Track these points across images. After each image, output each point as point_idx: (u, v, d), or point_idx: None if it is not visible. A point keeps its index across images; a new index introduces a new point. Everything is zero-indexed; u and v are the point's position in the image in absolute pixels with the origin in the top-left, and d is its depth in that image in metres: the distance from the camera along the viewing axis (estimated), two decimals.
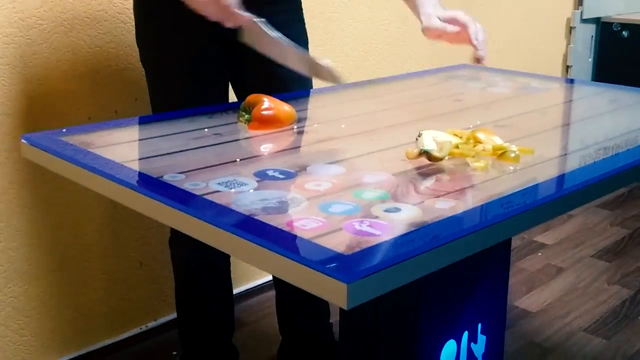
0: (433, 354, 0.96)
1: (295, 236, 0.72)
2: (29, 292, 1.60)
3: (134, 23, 1.42)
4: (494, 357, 1.08)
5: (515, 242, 2.38)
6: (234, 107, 1.22)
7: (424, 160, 0.96)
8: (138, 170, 0.93)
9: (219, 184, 0.87)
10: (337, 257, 0.68)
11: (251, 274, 2.04)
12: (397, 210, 0.79)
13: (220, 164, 0.96)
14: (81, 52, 1.59)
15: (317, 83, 1.51)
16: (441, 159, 0.96)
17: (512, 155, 0.97)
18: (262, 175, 0.91)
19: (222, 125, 1.17)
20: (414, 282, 0.70)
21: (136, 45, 1.43)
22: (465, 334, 1.02)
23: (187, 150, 1.03)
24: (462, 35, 1.32)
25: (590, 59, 3.24)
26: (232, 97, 1.46)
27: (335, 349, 1.62)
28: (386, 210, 0.79)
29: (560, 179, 0.95)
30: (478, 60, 1.38)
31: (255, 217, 0.77)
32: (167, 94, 1.37)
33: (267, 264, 0.71)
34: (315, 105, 1.38)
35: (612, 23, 3.13)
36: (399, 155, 0.99)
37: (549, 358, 1.75)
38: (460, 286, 1.00)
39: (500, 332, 1.10)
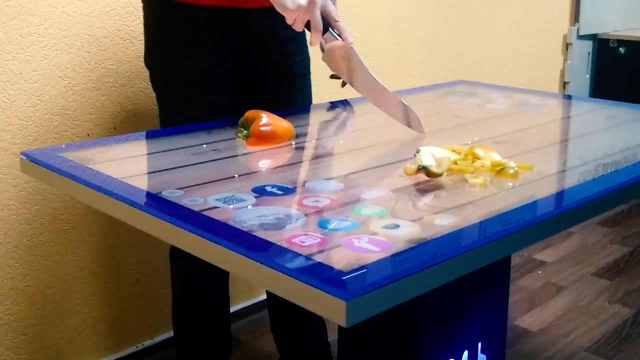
0: None
1: (293, 253, 0.72)
2: (26, 310, 1.59)
3: (139, 42, 1.43)
4: None
5: (515, 259, 2.37)
6: (233, 124, 1.22)
7: (423, 177, 0.96)
8: (136, 186, 0.92)
9: (217, 199, 0.87)
10: (336, 274, 0.67)
11: (248, 292, 2.03)
12: (395, 226, 0.79)
13: (219, 180, 0.96)
14: (81, 69, 1.59)
15: (316, 99, 1.52)
16: (440, 175, 0.95)
17: (511, 171, 0.97)
18: (260, 191, 0.91)
19: (220, 141, 1.17)
20: (413, 300, 0.69)
21: (145, 67, 1.42)
22: (465, 353, 1.01)
23: (185, 166, 1.03)
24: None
25: (587, 75, 3.25)
26: None
27: None
28: (385, 227, 0.79)
29: (560, 195, 0.95)
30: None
31: (254, 233, 0.76)
32: (180, 114, 1.36)
33: (265, 280, 0.70)
34: (314, 121, 1.39)
35: (609, 39, 3.15)
36: (398, 172, 0.99)
37: None
38: (459, 304, 0.99)
39: (500, 352, 1.09)
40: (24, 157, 1.06)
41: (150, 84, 1.43)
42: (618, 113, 1.47)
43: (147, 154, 1.16)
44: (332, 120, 1.41)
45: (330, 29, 1.21)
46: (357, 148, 1.15)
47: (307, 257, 0.71)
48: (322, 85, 1.54)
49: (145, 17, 1.39)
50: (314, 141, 1.21)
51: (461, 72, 2.53)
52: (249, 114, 1.16)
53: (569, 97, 2.01)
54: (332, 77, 1.50)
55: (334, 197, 0.90)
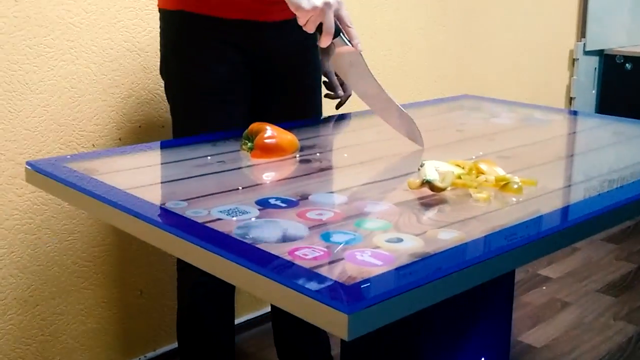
0: None
1: (296, 265, 0.72)
2: (29, 320, 1.59)
3: (146, 54, 1.44)
4: None
5: (519, 275, 2.36)
6: (237, 136, 1.22)
7: (427, 191, 0.96)
8: (141, 197, 0.93)
9: (221, 211, 0.87)
10: (339, 287, 0.67)
11: (253, 304, 2.02)
12: (399, 240, 0.79)
13: (223, 192, 0.96)
14: (87, 80, 1.60)
15: (326, 112, 1.52)
16: (443, 190, 0.95)
17: (515, 186, 0.97)
18: (264, 204, 0.91)
19: (225, 153, 1.17)
20: (415, 314, 0.69)
21: (161, 77, 1.43)
22: None
23: (190, 177, 1.03)
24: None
25: (593, 91, 3.25)
26: None
27: None
28: (388, 241, 0.79)
29: (564, 210, 0.95)
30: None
31: (257, 246, 0.76)
32: (195, 125, 1.36)
33: (267, 293, 0.70)
34: (318, 134, 1.39)
35: (615, 55, 3.15)
36: (402, 185, 0.99)
37: None
38: (463, 319, 0.99)
39: None
40: (29, 167, 1.06)
41: (159, 94, 1.44)
42: (624, 129, 1.46)
43: (152, 166, 1.16)
44: (337, 133, 1.41)
45: (341, 33, 1.22)
46: (361, 161, 1.15)
47: (310, 270, 0.70)
48: (326, 99, 1.54)
49: (162, 27, 1.40)
50: (318, 154, 1.21)
51: (466, 87, 2.53)
52: (254, 126, 1.16)
53: (575, 113, 2.00)
54: (327, 96, 1.52)
55: (337, 210, 0.90)
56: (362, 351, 0.98)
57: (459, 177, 0.99)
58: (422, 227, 0.85)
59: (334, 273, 0.70)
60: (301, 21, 1.18)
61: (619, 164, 1.19)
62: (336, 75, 1.50)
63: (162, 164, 1.17)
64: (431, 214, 0.90)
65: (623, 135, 1.42)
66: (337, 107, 1.54)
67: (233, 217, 0.85)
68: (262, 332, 1.94)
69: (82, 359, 1.69)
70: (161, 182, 1.06)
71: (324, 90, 1.51)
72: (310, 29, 1.18)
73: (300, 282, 0.68)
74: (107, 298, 1.71)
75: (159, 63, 1.44)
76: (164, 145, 1.28)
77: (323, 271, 0.70)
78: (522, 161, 1.16)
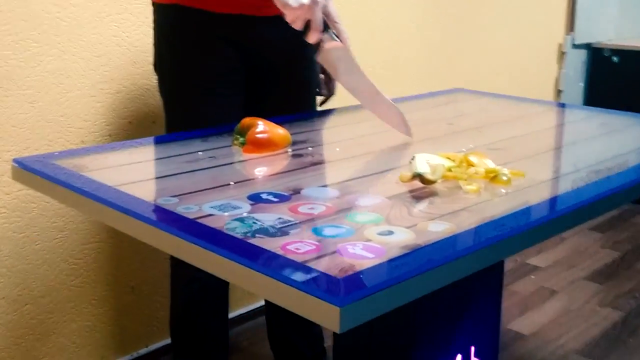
0: None
1: (288, 260, 0.72)
2: (18, 319, 1.58)
3: (135, 49, 1.43)
4: None
5: (508, 264, 2.38)
6: (229, 131, 1.22)
7: (417, 183, 0.96)
8: (131, 194, 0.93)
9: (212, 207, 0.87)
10: (330, 280, 0.67)
11: (246, 298, 2.03)
12: (390, 233, 0.79)
13: (214, 187, 0.96)
14: (75, 75, 1.59)
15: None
16: (434, 182, 0.96)
17: (504, 178, 0.98)
18: (255, 199, 0.91)
19: (216, 148, 1.17)
20: (407, 305, 0.69)
21: (155, 72, 1.43)
22: (459, 358, 1.01)
23: (180, 173, 1.03)
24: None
25: (581, 84, 3.27)
26: None
27: None
28: (379, 234, 0.79)
29: (552, 201, 0.96)
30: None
31: (249, 241, 0.77)
32: (188, 120, 1.36)
33: (259, 287, 0.71)
34: (310, 129, 1.39)
35: (603, 49, 3.17)
36: (393, 179, 0.99)
37: None
38: (453, 309, 1.00)
39: (493, 355, 1.09)
40: (16, 165, 1.05)
41: (149, 89, 1.44)
42: (611, 121, 1.48)
43: (143, 162, 1.16)
44: (329, 127, 1.41)
45: (329, 29, 1.22)
46: (353, 155, 1.16)
47: (302, 264, 0.71)
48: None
49: (155, 22, 1.40)
50: (310, 148, 1.22)
51: (457, 81, 2.54)
52: (245, 121, 1.16)
53: (563, 105, 2.02)
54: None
55: (329, 204, 0.90)
56: (354, 343, 0.99)
57: (450, 170, 0.99)
58: (413, 219, 0.86)
59: (326, 266, 0.70)
60: (289, 19, 1.18)
61: (606, 155, 1.20)
62: (322, 73, 1.50)
63: (152, 160, 1.17)
64: (422, 206, 0.91)
65: (610, 127, 1.44)
66: (320, 104, 1.54)
67: (225, 212, 0.86)
68: (255, 326, 1.94)
69: (74, 357, 1.69)
70: (152, 179, 1.06)
71: None
72: (298, 26, 1.18)
73: (293, 276, 0.68)
74: (98, 295, 1.71)
75: (149, 58, 1.44)
76: (155, 141, 1.28)
77: (315, 265, 0.71)
78: (511, 153, 1.17)
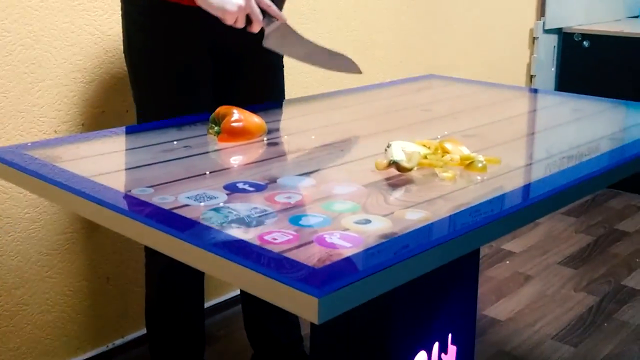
0: None
1: (265, 250, 0.72)
2: None
3: (108, 37, 1.41)
4: None
5: (483, 250, 2.40)
6: (204, 120, 1.21)
7: (393, 171, 0.97)
8: (106, 184, 0.92)
9: (188, 197, 0.87)
10: (308, 271, 0.67)
11: (221, 288, 2.02)
12: (367, 222, 0.80)
13: (190, 177, 0.96)
14: (47, 65, 1.57)
15: (288, 94, 1.52)
16: (410, 170, 0.96)
17: (480, 165, 0.98)
18: (232, 188, 0.91)
19: (191, 137, 1.16)
20: (384, 294, 0.70)
21: (124, 59, 1.42)
22: (436, 345, 1.02)
23: (155, 163, 1.02)
24: None
25: (553, 69, 3.30)
26: None
27: None
28: (356, 222, 0.79)
29: (527, 188, 0.97)
30: None
31: (225, 231, 0.76)
32: (159, 110, 1.36)
33: (237, 278, 0.70)
34: (285, 117, 1.39)
35: (574, 33, 3.20)
36: (369, 166, 0.99)
37: None
38: (430, 297, 1.01)
39: (470, 342, 1.11)
40: None
41: (123, 78, 1.43)
42: (583, 106, 1.50)
43: (117, 152, 1.15)
44: (304, 115, 1.41)
45: (266, 15, 1.27)
46: (329, 143, 1.16)
47: (279, 255, 0.71)
48: (293, 81, 1.54)
49: (123, 9, 1.38)
50: (286, 137, 1.22)
51: (430, 67, 2.55)
52: (221, 109, 1.16)
53: (535, 91, 2.04)
54: None
55: (305, 193, 0.90)
56: (332, 331, 1.00)
57: (425, 157, 1.00)
58: (390, 207, 0.86)
59: (304, 257, 0.70)
60: (230, 22, 1.23)
61: (579, 141, 1.22)
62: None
63: (127, 149, 1.16)
64: (398, 194, 0.92)
65: (582, 112, 1.46)
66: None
67: (201, 202, 0.85)
68: (231, 315, 1.94)
69: (49, 349, 1.67)
70: (126, 169, 1.05)
71: None
72: (240, 24, 1.24)
73: (270, 267, 0.68)
74: (73, 287, 1.69)
75: (121, 46, 1.42)
76: (129, 131, 1.26)
77: (292, 255, 0.71)
78: (486, 140, 1.18)
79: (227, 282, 2.00)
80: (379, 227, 0.79)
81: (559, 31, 3.25)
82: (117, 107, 1.70)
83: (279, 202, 0.86)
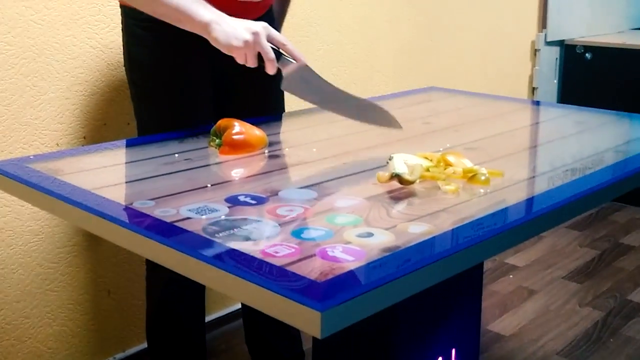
0: None
1: (267, 264, 0.71)
2: None
3: (109, 50, 1.41)
4: None
5: (487, 264, 2.39)
6: (205, 132, 1.21)
7: (396, 184, 0.96)
8: (107, 197, 0.91)
9: (189, 210, 0.86)
10: (311, 284, 0.67)
11: (222, 302, 2.01)
12: (369, 235, 0.79)
13: (191, 190, 0.95)
14: (49, 78, 1.57)
15: (289, 107, 1.52)
16: (412, 183, 0.96)
17: (482, 178, 0.98)
18: (233, 201, 0.90)
19: (192, 150, 1.16)
20: (387, 308, 0.69)
21: (125, 71, 1.42)
22: None
23: (157, 176, 1.02)
24: None
25: (555, 81, 3.30)
26: None
27: None
28: (359, 235, 0.79)
29: (530, 201, 0.96)
30: None
31: (227, 244, 0.76)
32: (158, 118, 1.36)
33: (238, 292, 0.70)
34: (287, 129, 1.38)
35: (576, 45, 3.20)
36: (371, 179, 0.99)
37: None
38: (433, 311, 1.00)
39: (474, 358, 1.10)
40: None
41: (124, 91, 1.43)
42: (586, 118, 1.49)
43: (118, 164, 1.14)
44: (305, 128, 1.41)
45: (282, 55, 1.20)
46: (330, 156, 1.15)
47: (281, 268, 0.70)
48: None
49: (124, 24, 1.38)
50: (287, 149, 1.21)
51: (432, 79, 2.55)
52: (222, 122, 1.16)
53: (538, 103, 2.03)
54: None
55: (307, 206, 0.89)
56: (334, 346, 0.99)
57: (428, 170, 0.99)
58: (392, 220, 0.85)
59: (306, 270, 0.70)
60: (240, 60, 1.18)
61: (582, 153, 1.21)
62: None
63: (128, 162, 1.16)
64: (401, 207, 0.91)
65: (585, 124, 1.45)
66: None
67: (202, 215, 0.85)
68: (233, 329, 1.93)
69: None
70: (128, 182, 1.04)
71: None
72: (252, 63, 1.18)
73: (272, 280, 0.67)
74: (74, 300, 1.68)
75: (122, 60, 1.42)
76: (130, 144, 1.26)
77: (295, 269, 0.70)
78: (488, 152, 1.18)
79: (228, 295, 1.99)
80: (382, 240, 0.78)
81: (561, 43, 3.26)
82: (119, 119, 1.70)
83: (281, 215, 0.86)
